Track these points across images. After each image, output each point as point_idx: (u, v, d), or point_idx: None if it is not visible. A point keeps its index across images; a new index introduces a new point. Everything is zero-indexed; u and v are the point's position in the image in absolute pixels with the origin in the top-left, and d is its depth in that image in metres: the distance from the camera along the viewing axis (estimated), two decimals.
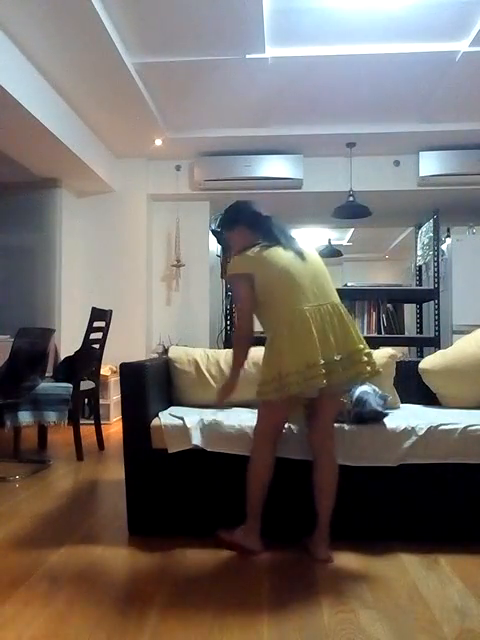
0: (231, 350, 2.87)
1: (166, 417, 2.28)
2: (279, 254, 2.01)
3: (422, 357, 2.96)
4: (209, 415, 2.30)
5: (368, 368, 1.96)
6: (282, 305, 1.97)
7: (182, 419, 2.24)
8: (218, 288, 5.72)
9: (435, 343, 4.03)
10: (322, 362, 1.86)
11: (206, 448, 2.18)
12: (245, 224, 2.14)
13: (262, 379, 1.99)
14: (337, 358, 1.89)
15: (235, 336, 2.16)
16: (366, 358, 1.96)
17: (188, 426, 2.20)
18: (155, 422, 2.24)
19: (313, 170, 5.44)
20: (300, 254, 2.04)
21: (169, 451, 2.18)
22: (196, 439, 2.18)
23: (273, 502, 2.16)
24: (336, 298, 2.04)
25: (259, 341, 2.13)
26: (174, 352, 2.75)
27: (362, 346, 1.97)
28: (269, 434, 2.07)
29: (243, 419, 2.25)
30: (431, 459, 2.13)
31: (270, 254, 2.01)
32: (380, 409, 2.18)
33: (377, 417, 2.18)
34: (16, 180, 5.10)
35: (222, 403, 2.21)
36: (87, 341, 3.65)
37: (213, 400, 2.46)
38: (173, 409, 2.45)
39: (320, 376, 1.84)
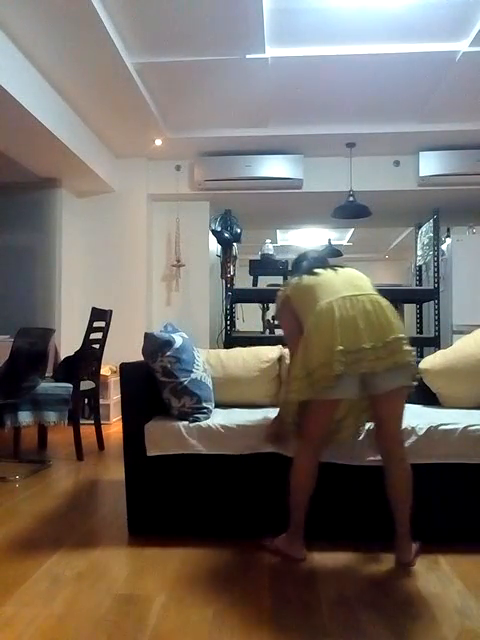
0: (227, 350, 2.87)
1: (156, 422, 2.26)
2: (309, 275, 2.08)
3: (422, 357, 2.96)
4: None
5: (408, 358, 1.88)
6: (312, 306, 1.97)
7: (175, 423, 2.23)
8: (218, 288, 5.72)
9: (435, 343, 4.02)
10: (340, 348, 1.81)
11: (203, 451, 2.18)
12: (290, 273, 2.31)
13: (291, 379, 1.96)
14: (368, 346, 1.82)
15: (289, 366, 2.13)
16: (407, 348, 1.89)
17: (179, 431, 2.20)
18: (147, 426, 2.23)
19: (313, 170, 5.44)
20: (332, 268, 2.09)
21: (148, 454, 2.19)
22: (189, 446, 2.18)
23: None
24: (375, 293, 2.00)
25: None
26: None
27: (403, 335, 1.90)
28: (313, 438, 1.99)
29: (236, 419, 2.24)
30: (431, 459, 2.13)
31: (302, 278, 2.08)
32: None
33: None
34: (16, 180, 5.10)
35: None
36: (87, 341, 3.65)
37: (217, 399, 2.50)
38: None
39: (337, 362, 1.80)
